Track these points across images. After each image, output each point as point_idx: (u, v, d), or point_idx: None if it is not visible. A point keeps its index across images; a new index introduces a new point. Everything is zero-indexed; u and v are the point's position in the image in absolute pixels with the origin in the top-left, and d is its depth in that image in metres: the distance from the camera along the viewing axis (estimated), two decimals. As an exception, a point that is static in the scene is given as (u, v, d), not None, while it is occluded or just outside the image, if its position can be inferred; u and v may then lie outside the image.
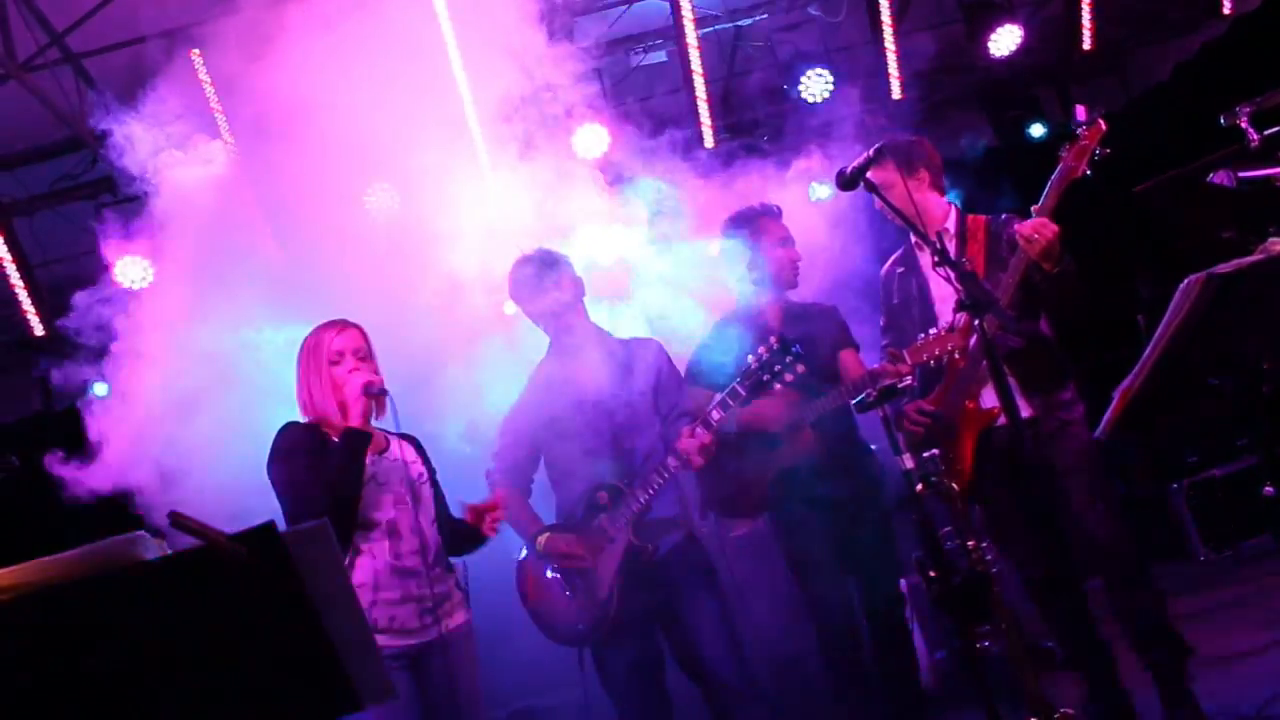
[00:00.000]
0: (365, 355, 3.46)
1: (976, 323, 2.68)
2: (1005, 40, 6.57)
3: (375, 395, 3.37)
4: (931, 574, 2.56)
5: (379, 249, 5.57)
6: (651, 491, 3.88)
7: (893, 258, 4.28)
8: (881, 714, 4.12)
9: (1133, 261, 7.17)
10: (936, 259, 2.86)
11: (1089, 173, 3.56)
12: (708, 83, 6.24)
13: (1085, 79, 7.92)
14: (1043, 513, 3.87)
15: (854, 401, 2.92)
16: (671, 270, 5.02)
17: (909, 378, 3.30)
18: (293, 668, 1.51)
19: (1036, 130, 7.83)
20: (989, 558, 2.65)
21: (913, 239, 4.13)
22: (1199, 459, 6.71)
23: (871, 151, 3.08)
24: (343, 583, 1.46)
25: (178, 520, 1.35)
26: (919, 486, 2.60)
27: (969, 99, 7.59)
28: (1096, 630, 3.90)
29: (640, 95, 5.88)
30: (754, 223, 4.29)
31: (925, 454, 2.72)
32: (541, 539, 4.00)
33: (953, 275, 2.91)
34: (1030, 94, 7.86)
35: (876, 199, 3.56)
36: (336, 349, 3.41)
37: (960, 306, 2.85)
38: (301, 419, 3.44)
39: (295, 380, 3.47)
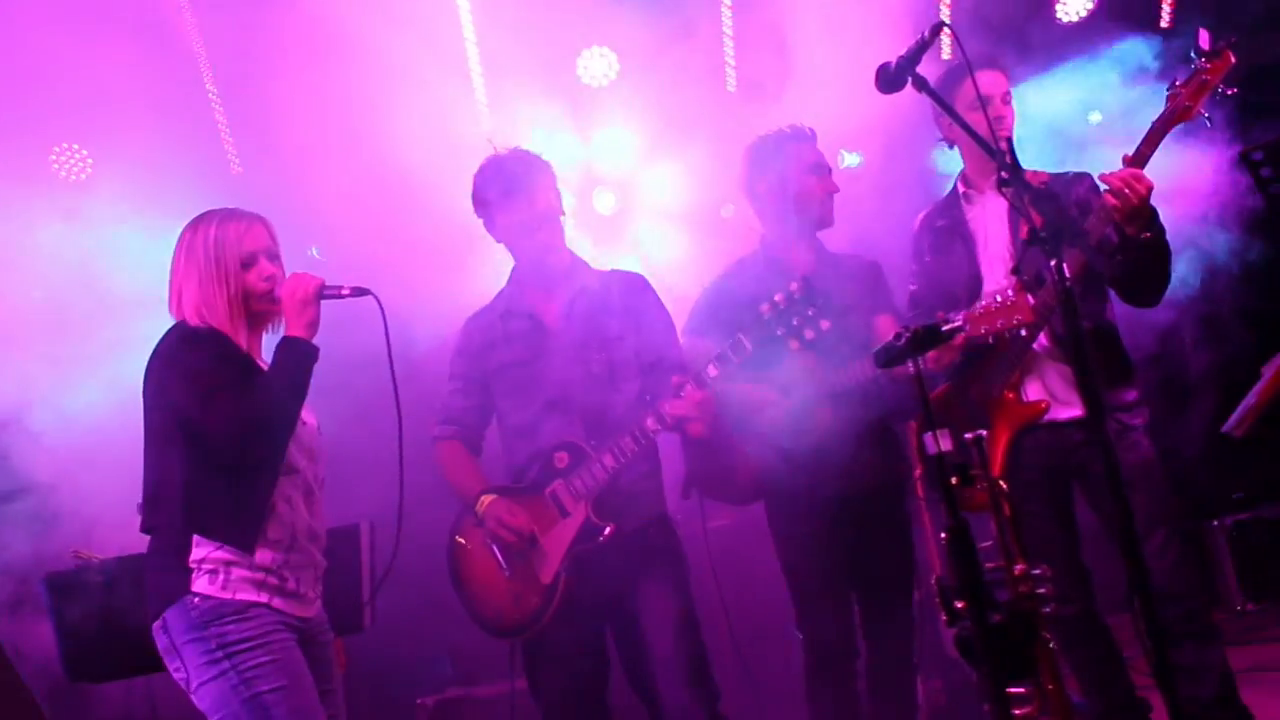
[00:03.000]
0: (276, 255, 2.77)
1: (1053, 264, 1.96)
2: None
3: (342, 298, 2.69)
4: (958, 605, 1.80)
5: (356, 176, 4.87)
6: (621, 459, 3.19)
7: (929, 208, 3.61)
8: None
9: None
10: (1004, 176, 2.13)
11: (1207, 117, 2.84)
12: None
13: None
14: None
15: (878, 349, 2.20)
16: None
17: (958, 318, 2.53)
18: None
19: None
20: (1042, 590, 1.89)
21: (959, 188, 3.49)
22: (1245, 495, 5.98)
23: (926, 32, 2.31)
24: None
25: None
26: (954, 480, 1.84)
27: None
28: (1134, 686, 3.31)
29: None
30: (781, 144, 3.60)
31: (969, 435, 1.97)
32: (484, 500, 3.30)
33: (1025, 198, 2.15)
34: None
35: (937, 108, 2.77)
36: (248, 249, 2.69)
37: (1032, 240, 2.07)
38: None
39: (172, 285, 2.73)
